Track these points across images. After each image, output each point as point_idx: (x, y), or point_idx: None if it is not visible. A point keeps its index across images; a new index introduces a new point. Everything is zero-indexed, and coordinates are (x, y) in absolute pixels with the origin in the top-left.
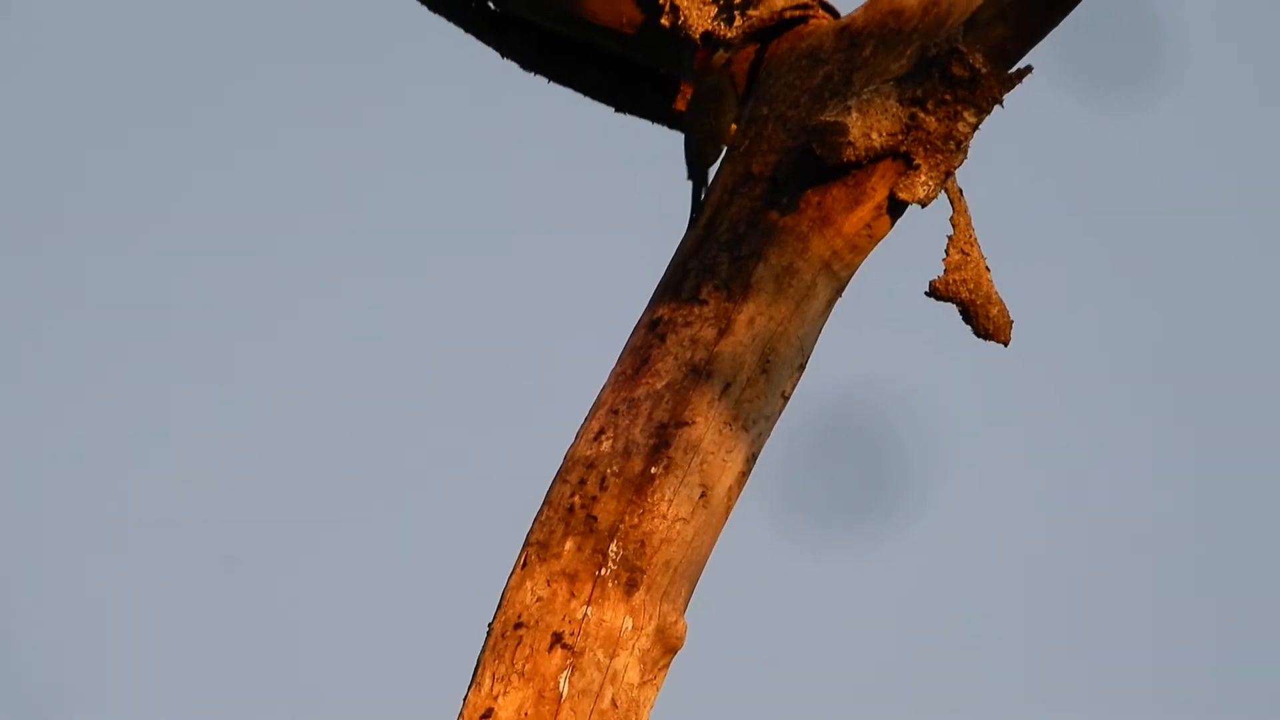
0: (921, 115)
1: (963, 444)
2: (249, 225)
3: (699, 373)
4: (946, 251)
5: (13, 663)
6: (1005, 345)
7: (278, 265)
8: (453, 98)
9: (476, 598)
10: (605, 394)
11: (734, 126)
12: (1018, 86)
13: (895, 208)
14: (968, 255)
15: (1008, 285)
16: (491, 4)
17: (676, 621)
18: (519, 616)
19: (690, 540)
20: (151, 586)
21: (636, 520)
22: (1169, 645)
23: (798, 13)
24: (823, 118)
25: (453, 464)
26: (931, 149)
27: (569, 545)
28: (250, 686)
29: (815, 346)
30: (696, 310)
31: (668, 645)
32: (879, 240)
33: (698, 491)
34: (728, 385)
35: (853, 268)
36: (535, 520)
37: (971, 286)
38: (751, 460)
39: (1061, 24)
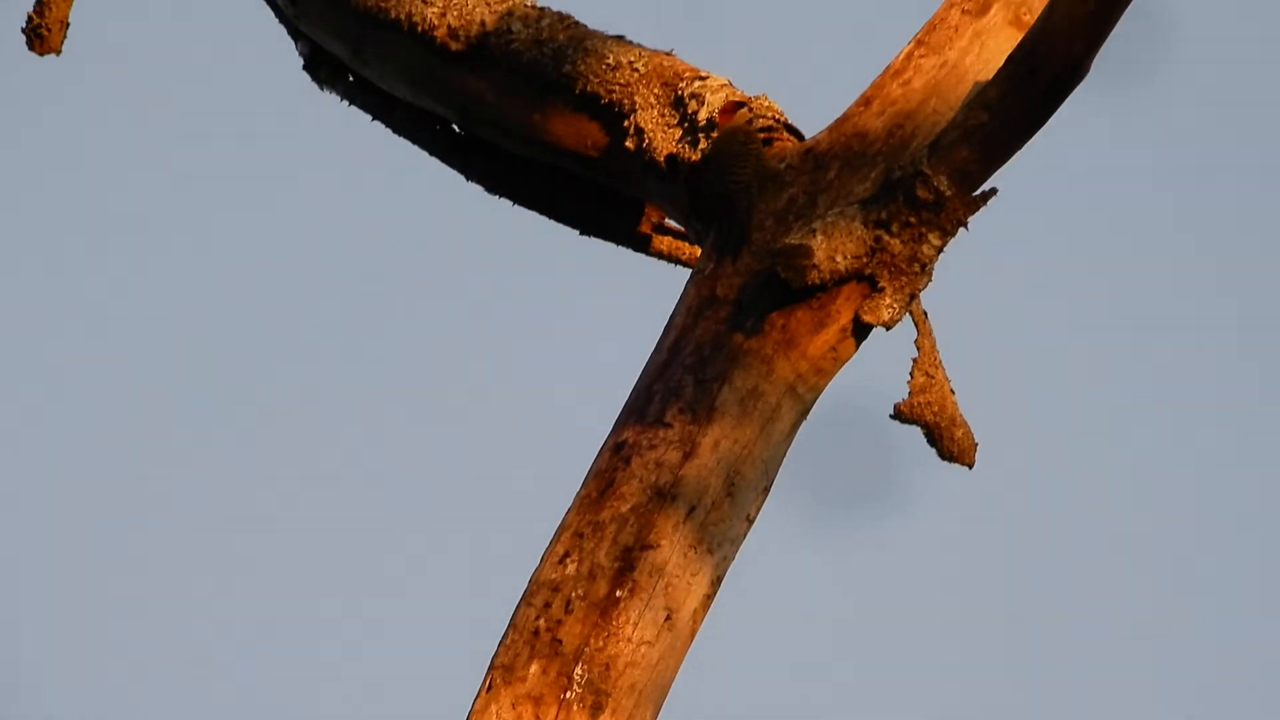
0: (886, 238)
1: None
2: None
3: (664, 496)
4: (911, 374)
5: None
6: (970, 468)
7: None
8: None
9: None
10: (570, 517)
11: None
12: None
13: (860, 330)
14: (932, 378)
15: (1009, 283)
16: (455, 127)
17: None
18: None
19: (655, 664)
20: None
21: (602, 643)
22: (1169, 643)
23: (762, 135)
24: (787, 240)
25: (416, 586)
26: (896, 271)
27: (534, 668)
28: None
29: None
30: (661, 433)
31: None
32: (844, 363)
33: (663, 615)
34: (693, 508)
35: (817, 390)
36: (500, 643)
37: (936, 409)
38: (717, 583)
39: None
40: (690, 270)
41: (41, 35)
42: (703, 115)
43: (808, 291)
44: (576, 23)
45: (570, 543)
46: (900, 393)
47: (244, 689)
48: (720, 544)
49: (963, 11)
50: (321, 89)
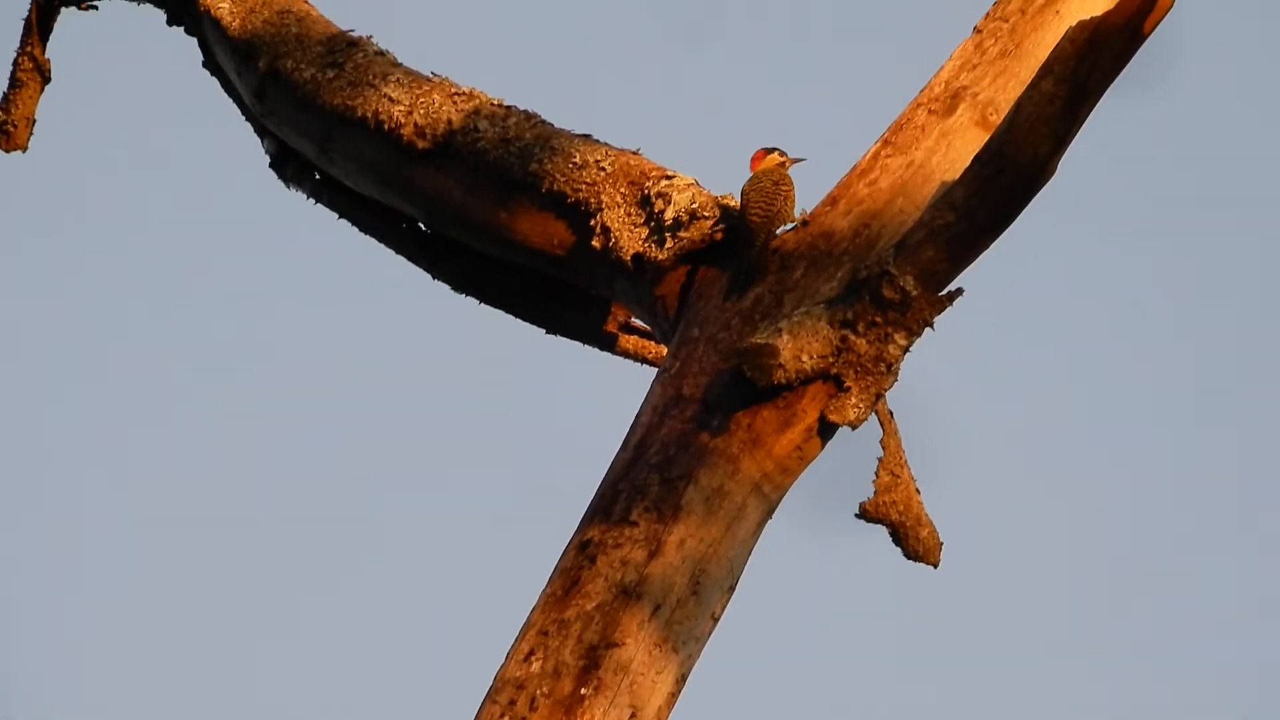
0: (852, 337)
1: (966, 441)
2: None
3: (629, 594)
4: (877, 474)
5: None
6: (935, 568)
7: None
8: None
9: None
10: (535, 615)
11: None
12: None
13: (826, 429)
14: (898, 477)
15: (1012, 282)
16: (423, 226)
17: None
18: None
19: None
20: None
21: None
22: (1170, 640)
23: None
24: (754, 340)
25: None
26: (862, 371)
27: None
28: None
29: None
30: (627, 532)
31: None
32: (809, 462)
33: (628, 712)
34: (658, 607)
35: (783, 489)
36: None
37: (901, 509)
38: (682, 680)
39: None
40: (656, 369)
41: (7, 132)
42: (669, 214)
43: (773, 391)
44: (543, 121)
45: (535, 640)
46: (901, 394)
47: None
48: (685, 642)
49: (929, 112)
50: (288, 187)
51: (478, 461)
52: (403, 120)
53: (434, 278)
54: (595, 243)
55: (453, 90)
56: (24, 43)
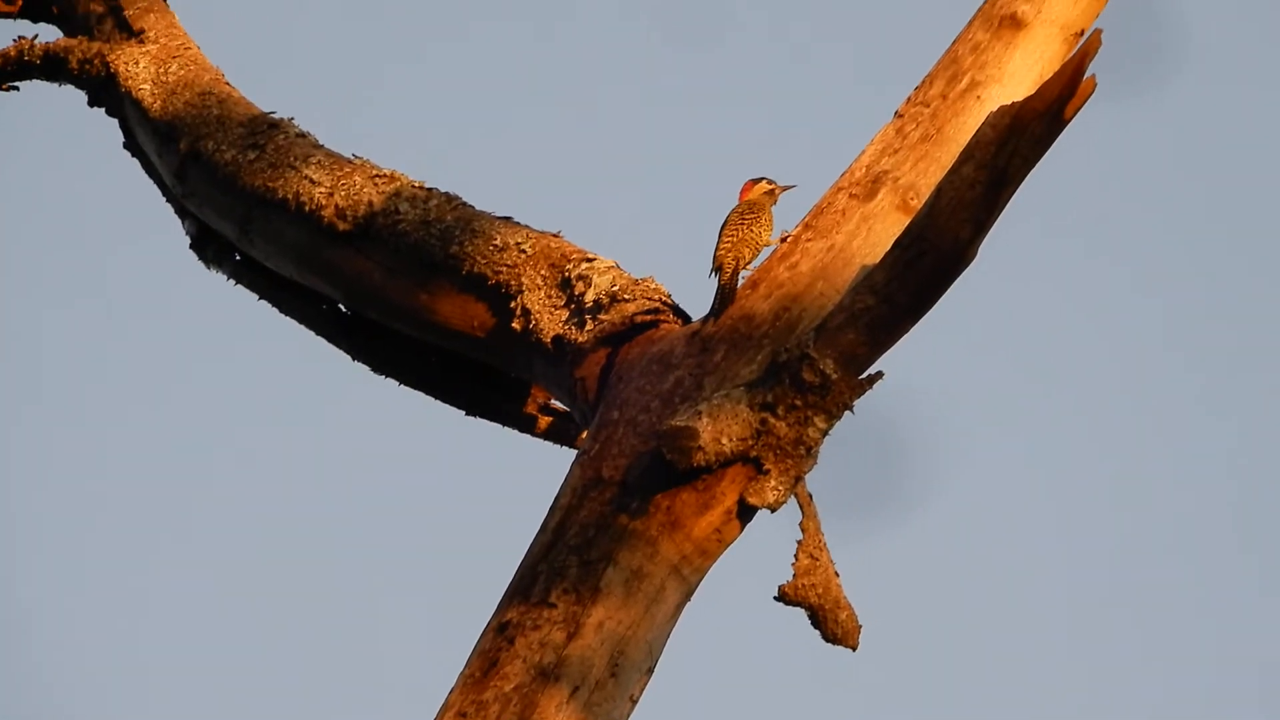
0: (772, 420)
1: (966, 442)
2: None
3: (547, 676)
4: (796, 556)
5: None
6: (853, 651)
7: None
8: None
9: None
10: (453, 696)
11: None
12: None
13: (745, 512)
14: (817, 560)
15: (1013, 281)
16: (343, 307)
17: None
18: None
19: None
20: None
21: None
22: (1170, 639)
23: (649, 318)
24: (673, 422)
25: None
26: (782, 454)
27: None
28: None
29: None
30: (545, 613)
31: None
32: (728, 545)
33: None
34: (576, 688)
35: (702, 572)
36: None
37: (820, 591)
38: None
39: None
40: (575, 451)
41: None
42: (589, 296)
43: (693, 473)
44: (464, 204)
45: None
46: (901, 395)
47: None
48: None
49: (850, 196)
50: (209, 268)
51: (391, 542)
52: (324, 202)
53: (353, 359)
54: (515, 325)
55: (374, 172)
56: None
